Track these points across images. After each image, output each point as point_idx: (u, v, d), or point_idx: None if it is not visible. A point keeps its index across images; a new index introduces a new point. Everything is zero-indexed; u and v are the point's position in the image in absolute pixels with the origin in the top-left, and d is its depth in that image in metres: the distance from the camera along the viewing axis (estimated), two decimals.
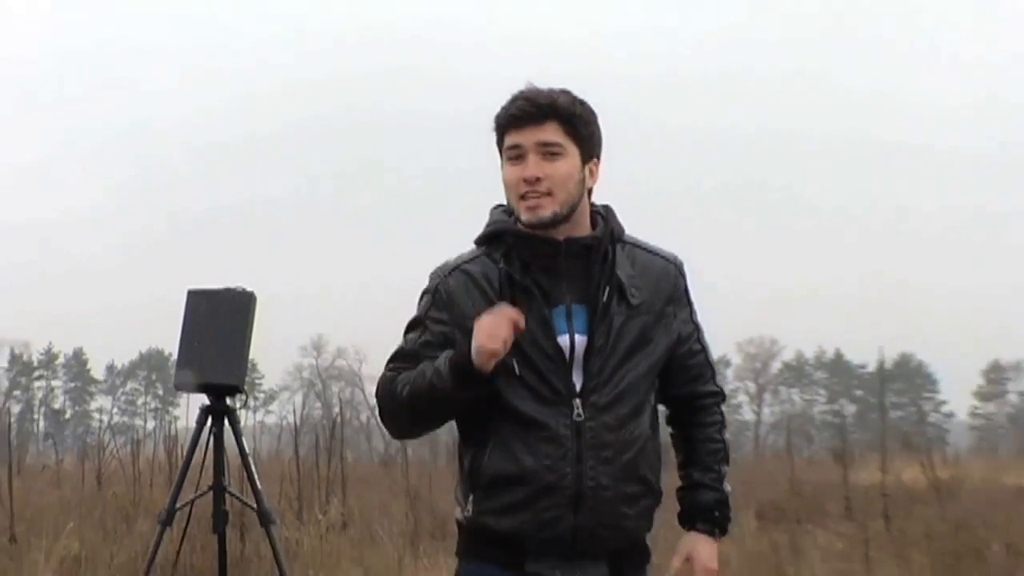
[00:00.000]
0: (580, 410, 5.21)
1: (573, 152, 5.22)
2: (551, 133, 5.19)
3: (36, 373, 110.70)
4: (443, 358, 5.25)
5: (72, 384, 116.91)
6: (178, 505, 8.34)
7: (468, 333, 5.19)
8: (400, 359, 5.46)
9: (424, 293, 5.53)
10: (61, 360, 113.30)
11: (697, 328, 5.64)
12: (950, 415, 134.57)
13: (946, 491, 28.69)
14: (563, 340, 5.27)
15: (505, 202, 5.53)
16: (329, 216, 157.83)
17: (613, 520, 5.27)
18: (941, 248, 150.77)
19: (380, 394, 5.57)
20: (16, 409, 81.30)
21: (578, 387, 5.24)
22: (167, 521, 8.34)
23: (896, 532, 24.95)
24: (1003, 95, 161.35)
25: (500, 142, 5.39)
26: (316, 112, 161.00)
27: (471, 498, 5.39)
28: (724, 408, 5.75)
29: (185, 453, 8.68)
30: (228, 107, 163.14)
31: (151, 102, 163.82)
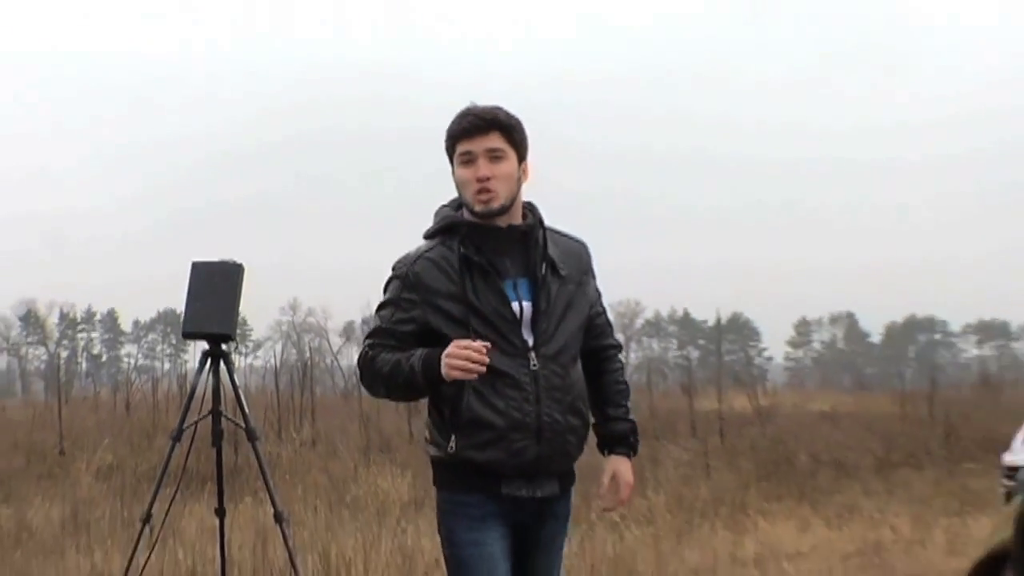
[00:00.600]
0: (535, 361, 5.31)
1: (512, 156, 5.31)
2: (495, 141, 5.26)
3: (80, 327, 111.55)
4: (417, 360, 5.29)
5: (106, 336, 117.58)
6: (185, 425, 8.33)
7: (436, 309, 5.31)
8: (378, 335, 5.48)
9: (393, 279, 5.52)
10: (98, 317, 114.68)
11: (600, 295, 5.78)
12: (769, 359, 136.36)
13: (766, 415, 29.33)
14: (516, 306, 5.34)
15: (449, 202, 5.54)
16: (304, 208, 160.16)
17: (563, 447, 5.39)
18: (764, 232, 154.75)
19: (362, 367, 5.60)
20: (64, 355, 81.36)
21: (531, 343, 5.33)
22: (177, 437, 8.33)
23: (728, 446, 25.75)
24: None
25: (451, 150, 5.42)
26: (302, 128, 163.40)
27: (453, 437, 5.37)
28: (620, 356, 5.98)
29: (190, 386, 8.74)
30: (230, 125, 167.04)
31: (169, 118, 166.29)
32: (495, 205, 5.38)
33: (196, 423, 8.57)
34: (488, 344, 5.30)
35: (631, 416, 5.80)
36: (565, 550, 5.88)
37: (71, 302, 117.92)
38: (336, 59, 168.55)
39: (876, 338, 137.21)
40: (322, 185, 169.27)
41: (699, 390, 36.15)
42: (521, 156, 5.46)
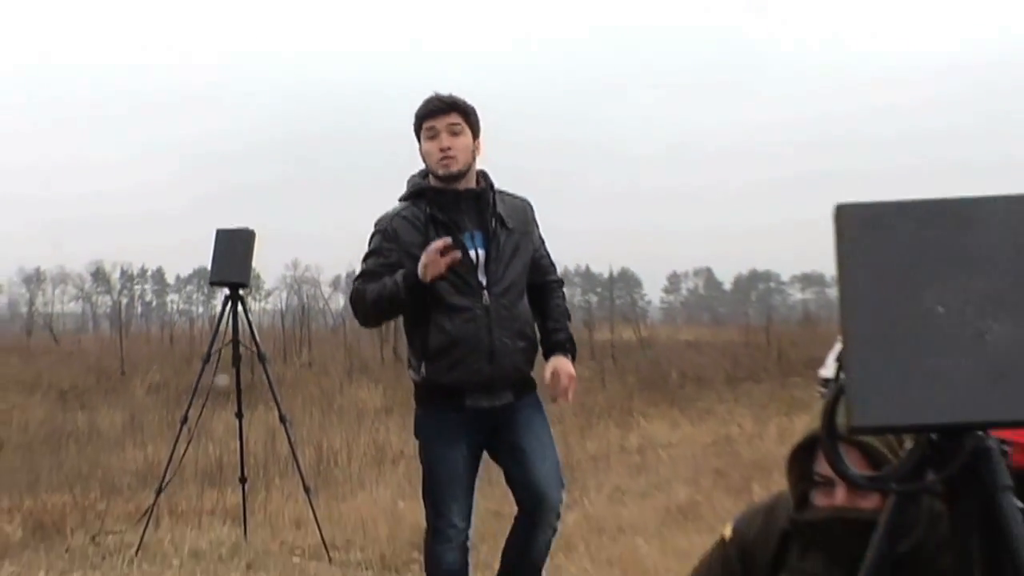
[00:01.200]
0: (487, 298, 5.35)
1: (468, 132, 5.35)
2: (454, 119, 5.31)
3: (136, 281, 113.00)
4: (399, 275, 5.38)
5: (155, 287, 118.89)
6: (212, 351, 8.40)
7: (410, 256, 5.32)
8: (365, 277, 5.53)
9: (376, 233, 5.56)
10: (149, 273, 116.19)
11: (543, 241, 5.74)
12: (649, 302, 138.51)
13: (646, 343, 29.67)
14: (472, 253, 5.37)
15: (417, 172, 5.57)
16: (304, 186, 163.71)
17: (512, 364, 5.38)
18: (645, 205, 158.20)
19: (353, 300, 5.66)
20: (124, 302, 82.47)
21: (484, 283, 5.35)
22: (207, 360, 8.38)
23: (619, 366, 25.80)
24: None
25: (419, 128, 5.43)
26: (310, 127, 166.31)
27: (423, 365, 5.45)
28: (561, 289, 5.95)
29: (216, 322, 8.84)
30: (243, 123, 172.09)
31: (210, 121, 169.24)
32: (454, 169, 5.40)
33: (220, 349, 8.62)
34: (448, 238, 5.31)
35: (568, 329, 5.79)
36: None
37: (129, 261, 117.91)
38: (322, 78, 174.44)
39: (727, 286, 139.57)
40: (316, 170, 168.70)
41: (596, 325, 37.39)
42: (475, 134, 5.49)
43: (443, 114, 5.42)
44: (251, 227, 9.24)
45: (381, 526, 9.76)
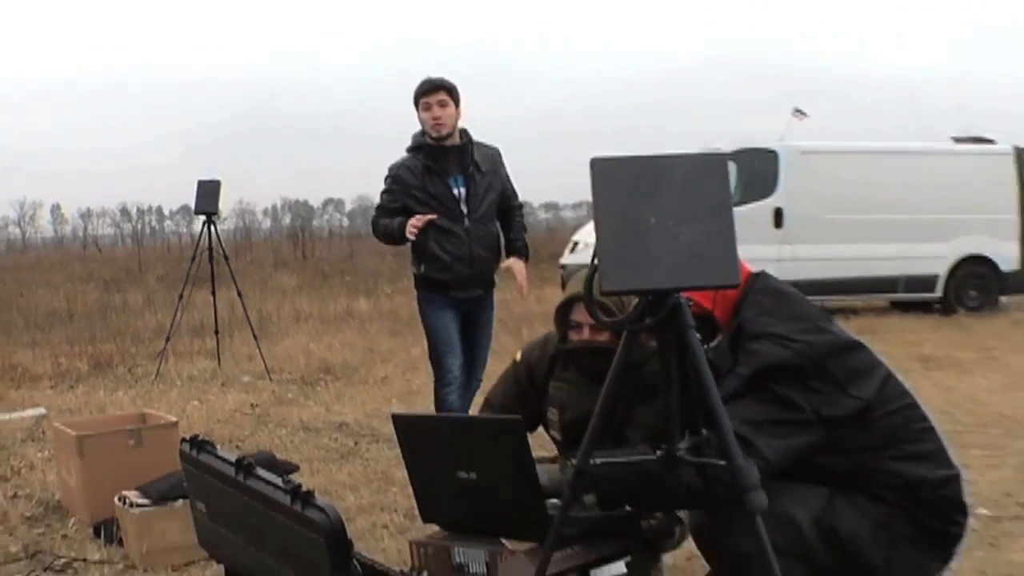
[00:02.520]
0: (468, 223, 5.90)
1: (452, 104, 5.87)
2: (443, 96, 5.85)
3: (146, 213, 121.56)
4: (398, 222, 5.89)
5: (157, 217, 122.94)
6: (196, 254, 10.39)
7: (409, 195, 5.97)
8: (379, 211, 6.09)
9: (388, 177, 6.04)
10: (154, 208, 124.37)
11: (508, 178, 6.18)
12: None
13: None
14: (456, 191, 5.90)
15: (419, 131, 6.09)
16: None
17: (485, 269, 6.02)
18: None
19: (373, 228, 6.18)
20: (139, 227, 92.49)
21: (465, 212, 5.92)
22: (193, 259, 10.34)
23: None
24: None
25: (417, 102, 5.90)
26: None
27: (422, 265, 5.97)
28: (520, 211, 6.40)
29: (198, 237, 10.49)
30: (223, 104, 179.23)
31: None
32: (444, 132, 5.80)
33: (200, 252, 10.31)
34: (433, 216, 5.81)
35: (524, 240, 6.24)
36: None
37: (141, 201, 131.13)
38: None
39: None
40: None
41: None
42: (457, 105, 5.87)
43: (434, 92, 5.80)
44: (217, 177, 10.70)
45: (300, 359, 11.14)
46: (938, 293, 15.51)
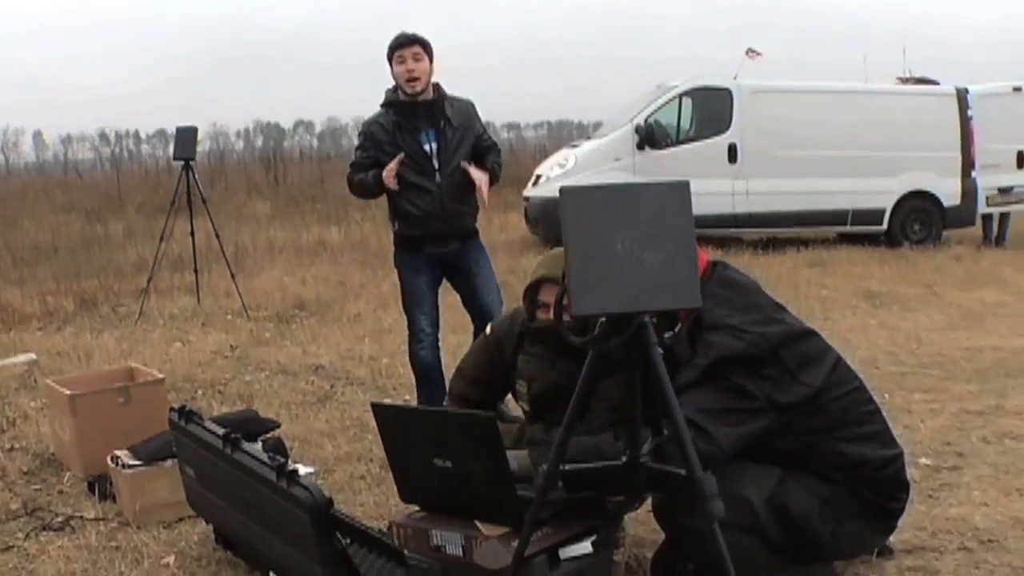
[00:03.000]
0: (439, 177, 5.70)
1: (426, 58, 5.62)
2: (418, 49, 5.60)
3: (124, 138, 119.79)
4: (372, 174, 5.72)
5: (135, 141, 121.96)
6: (176, 196, 10.41)
7: (381, 151, 5.77)
8: (354, 168, 5.90)
9: (360, 134, 5.94)
10: (131, 132, 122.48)
11: (484, 127, 6.00)
12: None
13: None
14: (427, 147, 5.70)
15: (392, 87, 5.88)
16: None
17: (459, 222, 5.80)
18: None
19: (349, 184, 5.98)
20: (117, 152, 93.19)
21: (436, 167, 5.71)
22: (173, 203, 10.47)
23: None
24: None
25: (391, 57, 5.65)
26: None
27: (397, 222, 5.83)
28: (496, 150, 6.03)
29: (177, 180, 10.52)
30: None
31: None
32: (418, 87, 5.59)
33: (179, 191, 10.36)
34: (401, 155, 5.64)
35: (496, 165, 5.98)
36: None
37: (120, 126, 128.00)
38: None
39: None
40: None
41: None
42: (431, 59, 5.63)
43: (409, 45, 5.58)
44: (195, 124, 10.84)
45: (275, 294, 11.17)
46: (884, 226, 15.93)
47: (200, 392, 7.06)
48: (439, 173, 5.70)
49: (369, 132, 5.77)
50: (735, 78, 15.90)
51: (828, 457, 3.49)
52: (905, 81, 17.17)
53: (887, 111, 15.68)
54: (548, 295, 3.90)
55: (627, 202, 2.70)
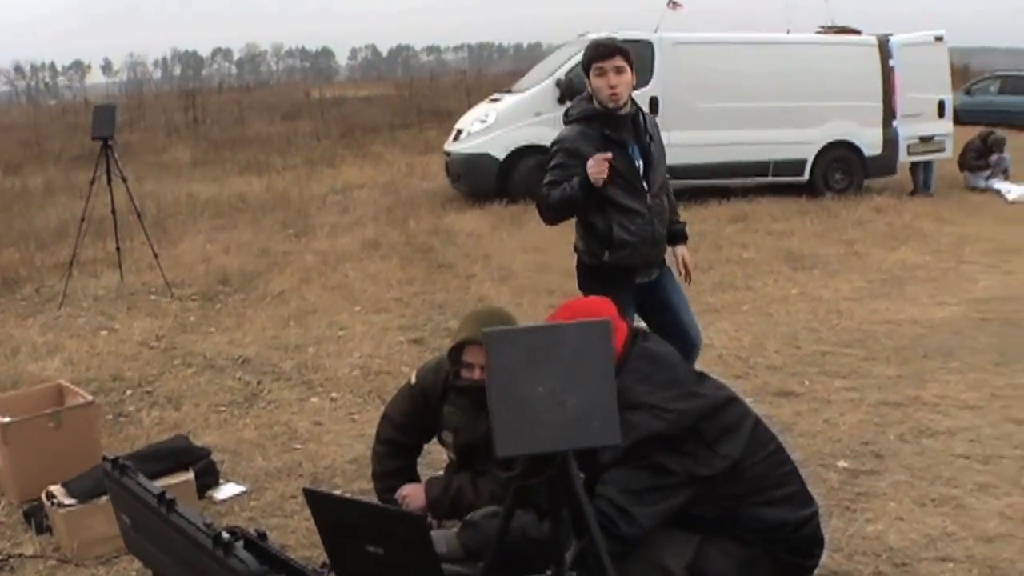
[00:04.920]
0: (650, 199, 5.30)
1: (628, 70, 5.22)
2: (620, 61, 5.21)
3: (40, 70, 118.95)
4: (574, 181, 5.20)
5: (52, 74, 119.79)
6: (96, 175, 10.30)
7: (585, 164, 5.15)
8: (551, 185, 5.37)
9: (560, 151, 5.39)
10: (47, 64, 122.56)
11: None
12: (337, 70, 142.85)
13: (340, 101, 32.27)
14: (636, 164, 5.28)
15: (583, 97, 5.53)
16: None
17: (662, 248, 5.47)
18: None
19: (542, 202, 5.48)
20: (34, 84, 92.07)
21: (646, 187, 5.30)
22: (92, 182, 10.33)
23: (326, 121, 28.08)
24: None
25: (588, 67, 5.27)
26: None
27: (607, 252, 5.37)
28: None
29: (96, 160, 10.42)
30: None
31: None
32: (620, 101, 5.20)
33: (99, 166, 10.32)
34: (609, 154, 5.12)
35: (681, 220, 5.70)
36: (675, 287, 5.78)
37: (36, 58, 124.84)
38: None
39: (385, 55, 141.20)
40: None
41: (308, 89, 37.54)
42: (632, 71, 5.25)
43: (610, 56, 5.20)
44: (112, 104, 10.57)
45: (198, 267, 11.22)
46: (806, 177, 16.34)
47: (129, 393, 7.17)
48: (649, 194, 5.37)
49: (574, 149, 5.33)
50: (656, 30, 16.17)
51: (746, 522, 3.65)
52: (827, 31, 17.60)
53: (809, 61, 16.03)
54: (472, 356, 4.08)
55: (549, 343, 2.77)
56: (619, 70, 5.20)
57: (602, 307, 3.82)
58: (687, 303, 5.63)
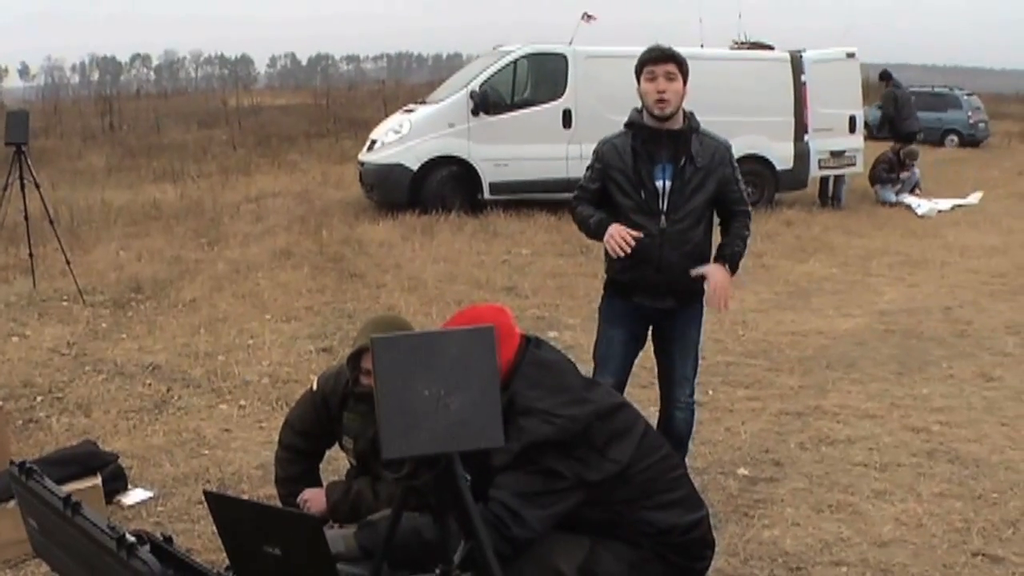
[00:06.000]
0: (664, 222, 5.09)
1: (680, 79, 5.02)
2: (672, 68, 5.02)
3: None
4: (595, 221, 5.19)
5: None
6: (10, 182, 10.18)
7: (608, 177, 5.26)
8: (580, 189, 5.33)
9: (594, 152, 5.31)
10: None
11: (737, 181, 5.36)
12: (257, 75, 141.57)
13: (257, 109, 32.15)
14: (659, 183, 5.08)
15: (637, 106, 5.24)
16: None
17: (674, 278, 5.17)
18: None
19: (572, 212, 5.42)
20: None
21: (664, 209, 5.10)
22: (5, 188, 10.24)
23: (243, 130, 27.55)
24: None
25: (640, 70, 5.09)
26: None
27: (608, 263, 5.35)
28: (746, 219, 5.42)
29: (9, 165, 10.28)
30: None
31: None
32: (668, 110, 5.00)
33: (12, 171, 10.18)
34: (640, 235, 5.01)
35: (737, 247, 5.33)
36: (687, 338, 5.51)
37: None
38: None
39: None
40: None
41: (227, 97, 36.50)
42: (685, 81, 5.02)
43: (663, 62, 5.03)
44: (25, 108, 10.73)
45: (111, 274, 11.17)
46: None
47: (39, 399, 7.19)
48: (665, 216, 5.12)
49: (602, 152, 5.25)
50: (570, 43, 16.39)
51: (637, 525, 3.71)
52: (740, 46, 17.84)
53: (721, 76, 16.02)
54: (369, 362, 3.93)
55: (434, 348, 2.81)
56: (670, 76, 5.06)
57: (493, 315, 3.81)
58: (686, 359, 5.45)
